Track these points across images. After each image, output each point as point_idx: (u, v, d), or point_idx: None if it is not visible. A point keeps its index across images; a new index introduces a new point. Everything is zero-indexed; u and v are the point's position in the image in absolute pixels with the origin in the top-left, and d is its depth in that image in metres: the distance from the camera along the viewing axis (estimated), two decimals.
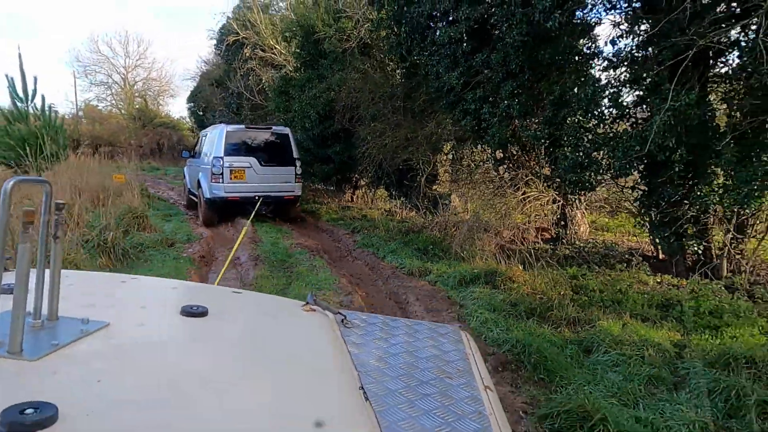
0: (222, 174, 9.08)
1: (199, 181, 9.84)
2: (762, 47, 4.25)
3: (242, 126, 9.92)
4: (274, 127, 10.17)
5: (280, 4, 18.34)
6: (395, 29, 9.11)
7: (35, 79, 13.51)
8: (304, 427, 0.74)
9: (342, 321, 1.21)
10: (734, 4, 4.68)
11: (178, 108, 50.82)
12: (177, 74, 50.32)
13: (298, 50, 12.15)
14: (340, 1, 11.46)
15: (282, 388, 0.87)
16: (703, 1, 5.06)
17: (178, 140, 29.35)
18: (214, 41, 23.43)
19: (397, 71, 10.39)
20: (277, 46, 15.92)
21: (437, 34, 7.80)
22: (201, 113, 28.03)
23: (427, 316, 4.49)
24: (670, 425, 2.72)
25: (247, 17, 17.07)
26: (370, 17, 10.56)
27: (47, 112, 13.31)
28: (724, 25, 5.08)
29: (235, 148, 9.33)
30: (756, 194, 5.01)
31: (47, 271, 0.95)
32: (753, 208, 5.35)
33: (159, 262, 5.98)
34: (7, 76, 13.11)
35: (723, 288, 5.22)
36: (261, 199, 7.97)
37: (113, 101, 38.92)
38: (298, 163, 9.82)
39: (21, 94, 13.16)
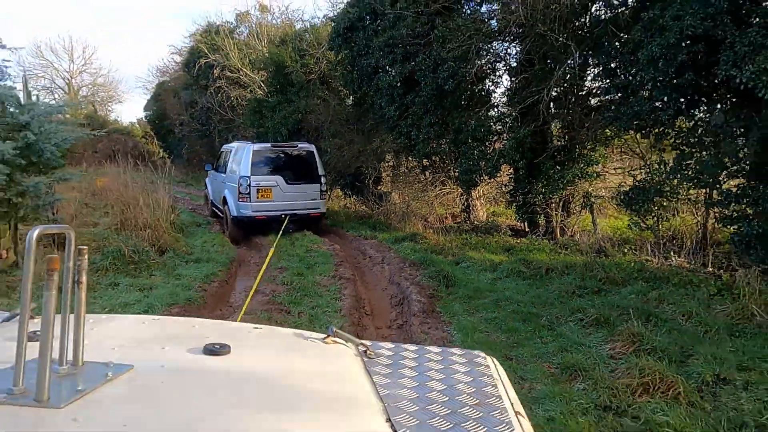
0: (249, 193, 9.60)
1: (225, 198, 10.40)
2: (548, 110, 8.50)
3: (268, 144, 10.74)
4: (299, 144, 10.92)
5: (243, 29, 21.87)
6: (349, 68, 12.99)
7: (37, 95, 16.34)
8: None
9: (365, 352, 1.27)
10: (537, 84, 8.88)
11: (126, 114, 52.53)
12: (122, 80, 52.03)
13: (271, 79, 15.82)
14: (304, 42, 15.26)
15: (308, 423, 0.91)
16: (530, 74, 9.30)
17: (134, 146, 31.86)
18: (177, 57, 26.48)
19: (350, 99, 14.29)
20: (243, 68, 19.44)
21: (380, 79, 11.74)
22: (157, 121, 30.82)
23: (376, 255, 8.42)
24: (479, 279, 6.78)
25: (215, 41, 20.46)
26: (329, 57, 14.44)
27: None
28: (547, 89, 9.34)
29: (262, 167, 9.93)
30: (560, 188, 9.30)
31: (71, 317, 0.99)
32: (558, 197, 9.62)
33: (201, 234, 9.57)
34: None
35: (547, 241, 9.45)
36: (288, 217, 8.47)
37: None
38: (323, 180, 10.50)
39: None
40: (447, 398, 1.05)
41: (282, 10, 21.63)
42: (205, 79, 20.74)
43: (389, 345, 1.36)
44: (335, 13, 13.92)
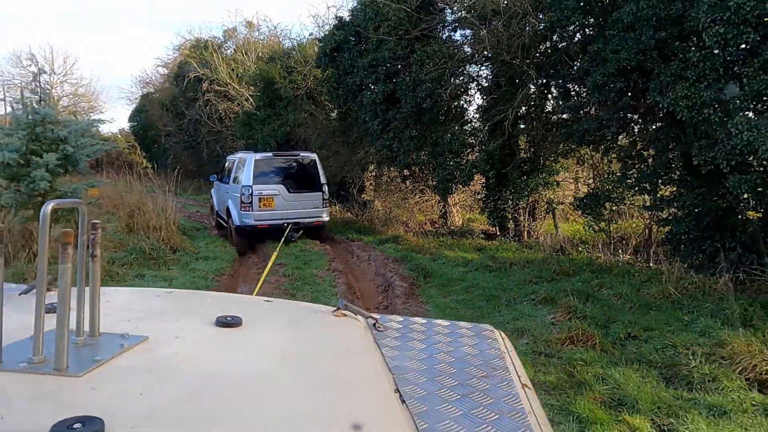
0: (251, 203, 9.81)
1: (228, 208, 10.63)
2: (513, 127, 9.81)
3: (270, 154, 11.01)
4: (301, 154, 11.17)
5: (230, 44, 22.98)
6: (335, 86, 14.19)
7: None
8: (342, 431, 0.81)
9: (374, 325, 1.30)
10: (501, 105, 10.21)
11: (107, 125, 52.79)
12: (104, 90, 52.50)
13: (260, 94, 16.95)
14: (292, 60, 16.46)
15: (318, 393, 0.93)
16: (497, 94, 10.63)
17: (117, 156, 32.57)
18: (163, 69, 27.41)
19: (336, 113, 15.49)
20: (231, 83, 20.53)
21: (364, 96, 12.96)
22: (142, 132, 31.63)
23: (362, 254, 9.59)
24: (452, 272, 8.00)
25: (204, 56, 21.52)
26: (316, 74, 15.64)
27: None
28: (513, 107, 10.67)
29: (264, 176, 10.12)
30: (525, 195, 10.61)
31: (87, 289, 1.02)
32: (525, 203, 10.93)
33: (202, 237, 10.63)
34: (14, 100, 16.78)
35: (514, 242, 10.72)
36: (290, 226, 8.72)
37: None
38: (325, 188, 10.70)
39: None
40: (455, 370, 1.08)
41: (270, 28, 22.82)
42: (193, 92, 21.72)
43: (398, 318, 1.39)
44: (321, 34, 15.18)
